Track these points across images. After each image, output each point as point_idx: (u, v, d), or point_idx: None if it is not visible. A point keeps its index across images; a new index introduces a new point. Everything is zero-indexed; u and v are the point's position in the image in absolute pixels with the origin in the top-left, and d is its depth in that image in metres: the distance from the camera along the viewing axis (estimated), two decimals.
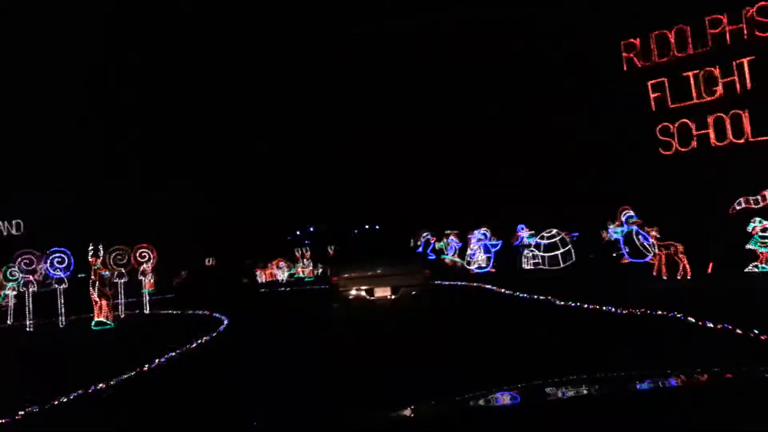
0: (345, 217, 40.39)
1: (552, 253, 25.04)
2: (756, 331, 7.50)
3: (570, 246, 24.86)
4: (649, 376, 1.98)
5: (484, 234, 25.74)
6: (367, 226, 29.90)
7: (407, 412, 1.92)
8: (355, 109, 35.71)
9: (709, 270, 16.58)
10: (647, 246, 21.20)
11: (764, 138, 16.80)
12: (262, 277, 41.01)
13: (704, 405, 1.66)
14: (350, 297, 11.95)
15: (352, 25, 31.34)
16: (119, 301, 18.04)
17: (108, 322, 15.68)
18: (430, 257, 26.97)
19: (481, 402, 1.92)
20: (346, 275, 12.16)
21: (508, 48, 25.06)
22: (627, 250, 21.67)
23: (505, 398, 1.95)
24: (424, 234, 27.14)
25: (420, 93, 31.85)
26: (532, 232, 26.42)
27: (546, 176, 24.34)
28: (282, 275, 40.30)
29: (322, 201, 43.12)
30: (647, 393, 1.89)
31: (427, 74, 31.06)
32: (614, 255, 23.52)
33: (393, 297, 11.86)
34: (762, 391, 1.75)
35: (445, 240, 28.43)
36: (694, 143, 18.02)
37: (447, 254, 28.07)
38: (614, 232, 22.73)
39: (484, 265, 26.52)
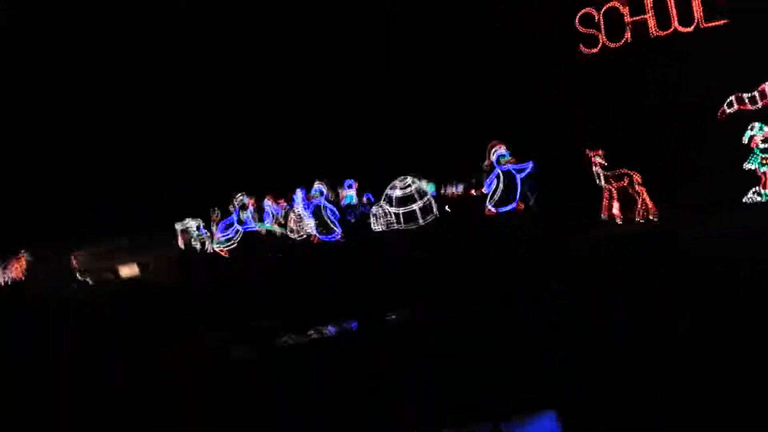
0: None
1: (407, 208, 19.03)
2: None
3: (429, 197, 19.11)
4: None
5: (319, 190, 18.64)
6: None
7: None
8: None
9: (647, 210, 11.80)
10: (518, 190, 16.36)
11: (720, 22, 12.37)
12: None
13: None
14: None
15: None
16: None
17: None
18: (249, 228, 19.19)
19: None
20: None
21: None
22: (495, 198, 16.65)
23: None
24: (238, 197, 19.12)
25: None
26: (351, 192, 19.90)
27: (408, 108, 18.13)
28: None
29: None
30: None
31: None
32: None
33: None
34: None
35: (248, 207, 20.57)
36: (627, 35, 13.07)
37: (262, 223, 20.42)
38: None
39: (312, 230, 19.46)
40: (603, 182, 12.10)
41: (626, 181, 11.89)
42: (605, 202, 12.07)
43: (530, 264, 9.80)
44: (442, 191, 20.25)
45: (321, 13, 19.06)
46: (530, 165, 15.70)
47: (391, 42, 18.29)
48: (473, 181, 22.97)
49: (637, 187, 11.80)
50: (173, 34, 19.78)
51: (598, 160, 12.11)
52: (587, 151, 12.13)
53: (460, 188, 23.38)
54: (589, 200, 12.30)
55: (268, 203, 19.75)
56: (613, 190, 12.03)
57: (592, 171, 12.11)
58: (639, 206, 11.70)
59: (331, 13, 18.93)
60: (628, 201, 11.89)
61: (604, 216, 12.06)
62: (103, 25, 20.83)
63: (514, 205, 16.41)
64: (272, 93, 19.92)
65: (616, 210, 12.00)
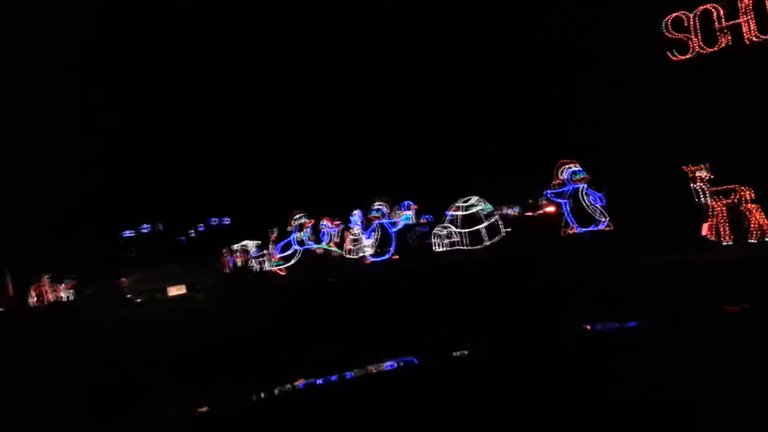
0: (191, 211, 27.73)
1: (472, 228, 18.23)
2: None
3: (497, 218, 18.30)
4: None
5: (379, 210, 17.95)
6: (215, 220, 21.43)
7: None
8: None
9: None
10: (599, 209, 15.41)
11: None
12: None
13: None
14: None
15: None
16: None
17: None
18: (308, 245, 18.59)
19: None
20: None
21: None
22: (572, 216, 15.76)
23: None
24: (297, 217, 18.58)
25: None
26: (408, 213, 19.02)
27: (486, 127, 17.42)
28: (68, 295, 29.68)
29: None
30: None
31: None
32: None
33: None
34: None
35: (306, 228, 19.89)
36: (724, 39, 12.13)
37: (320, 243, 19.81)
38: (553, 194, 16.57)
39: (371, 251, 18.73)
40: (708, 199, 11.14)
41: (734, 197, 10.94)
42: (710, 220, 11.10)
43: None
44: (498, 212, 19.47)
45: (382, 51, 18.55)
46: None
47: (453, 70, 17.68)
48: (530, 202, 22.10)
49: (747, 204, 10.84)
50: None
51: (702, 174, 11.18)
52: (688, 166, 11.20)
53: (517, 210, 22.56)
54: (689, 219, 11.33)
55: (325, 223, 19.19)
56: (719, 207, 11.07)
57: (692, 187, 11.19)
58: (752, 225, 10.72)
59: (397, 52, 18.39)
60: (736, 219, 10.92)
61: (710, 237, 11.08)
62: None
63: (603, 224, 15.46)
64: (331, 118, 19.46)
65: (724, 229, 11.02)
